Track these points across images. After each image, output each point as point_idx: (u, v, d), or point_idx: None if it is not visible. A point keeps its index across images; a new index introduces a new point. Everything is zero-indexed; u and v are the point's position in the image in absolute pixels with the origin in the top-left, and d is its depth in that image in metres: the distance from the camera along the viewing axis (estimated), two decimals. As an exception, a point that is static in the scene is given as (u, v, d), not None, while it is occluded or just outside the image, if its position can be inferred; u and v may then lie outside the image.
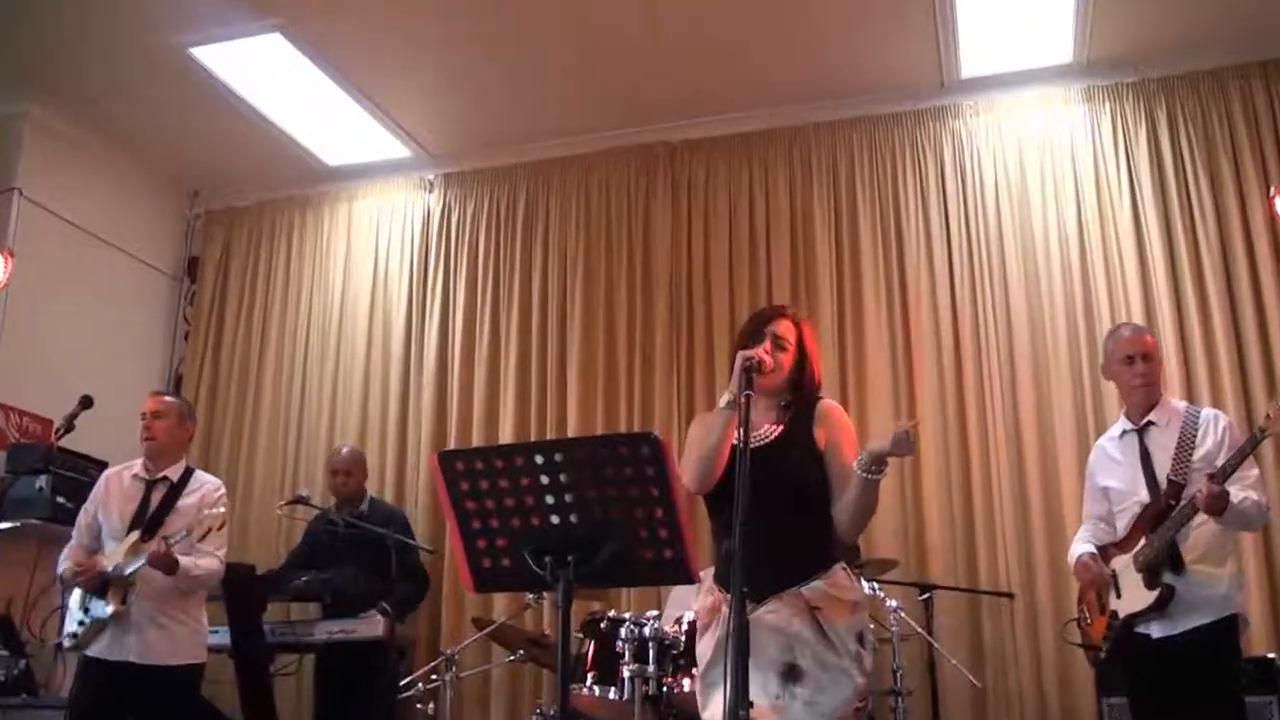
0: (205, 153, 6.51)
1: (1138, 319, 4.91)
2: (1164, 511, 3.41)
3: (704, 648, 2.76)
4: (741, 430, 2.43)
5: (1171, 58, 5.40)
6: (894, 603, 4.45)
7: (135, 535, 4.03)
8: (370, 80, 5.71)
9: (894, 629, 4.41)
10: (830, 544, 2.74)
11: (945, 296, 5.44)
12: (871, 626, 2.81)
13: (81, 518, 4.23)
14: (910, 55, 5.48)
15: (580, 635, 4.10)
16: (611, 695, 3.81)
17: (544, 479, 2.07)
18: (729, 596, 2.65)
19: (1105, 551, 3.61)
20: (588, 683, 3.91)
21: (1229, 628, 3.35)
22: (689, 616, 3.74)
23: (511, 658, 4.71)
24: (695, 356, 5.74)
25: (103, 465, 5.14)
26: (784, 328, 2.84)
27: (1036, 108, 5.61)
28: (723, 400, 2.68)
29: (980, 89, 5.68)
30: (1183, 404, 3.69)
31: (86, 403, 4.35)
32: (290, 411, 6.37)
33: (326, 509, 5.36)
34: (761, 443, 2.74)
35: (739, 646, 2.16)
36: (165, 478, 4.19)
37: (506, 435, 5.88)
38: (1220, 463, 3.30)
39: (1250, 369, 4.92)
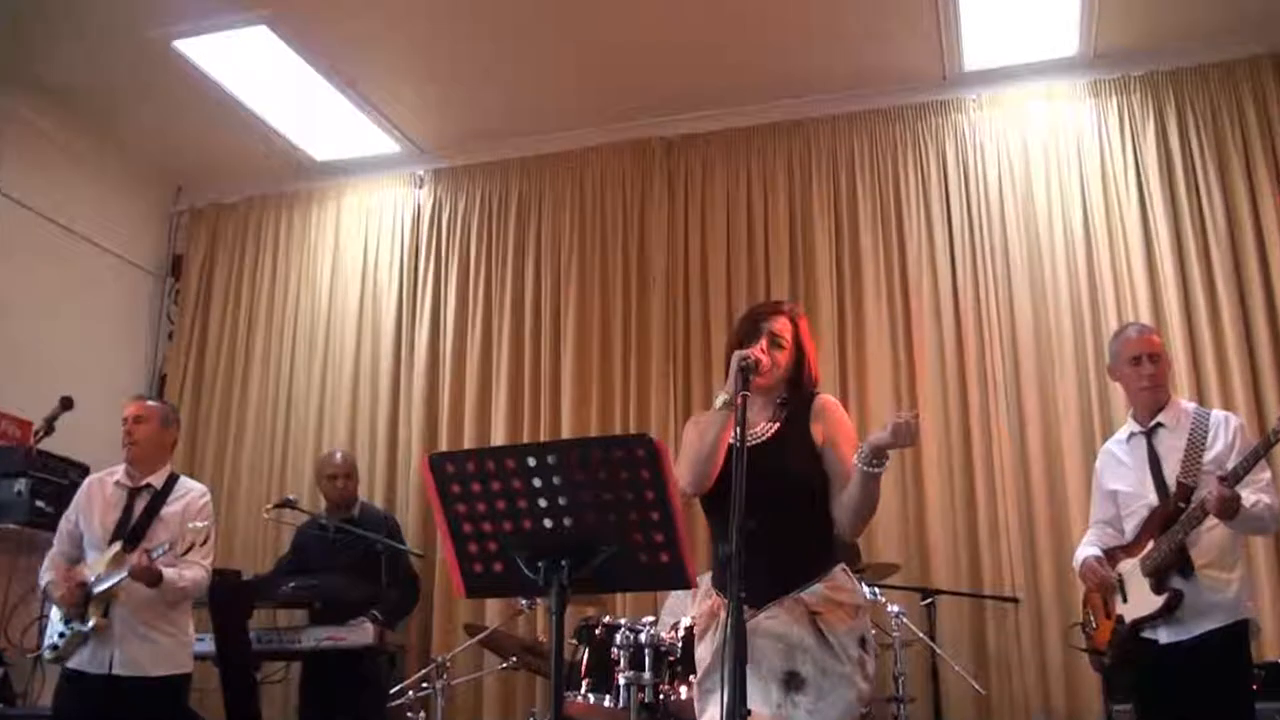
0: (189, 148, 6.50)
1: (1145, 319, 4.91)
2: (1173, 515, 3.41)
3: (702, 653, 2.75)
4: (739, 431, 2.43)
5: (1181, 50, 5.40)
6: (895, 608, 4.45)
7: (117, 546, 4.01)
8: (359, 73, 5.70)
9: (896, 635, 4.41)
10: (830, 544, 2.74)
11: (948, 296, 5.44)
12: (873, 632, 2.80)
13: (63, 525, 4.22)
14: (912, 47, 5.48)
15: (574, 642, 4.10)
16: (607, 703, 3.81)
17: (536, 481, 2.06)
18: (727, 600, 2.65)
19: (1112, 555, 3.61)
20: (582, 690, 3.91)
21: (1239, 633, 3.35)
22: (686, 622, 3.74)
23: (504, 665, 4.71)
24: (692, 355, 5.74)
25: (83, 468, 5.14)
26: (780, 324, 2.83)
27: (1041, 101, 5.61)
28: (718, 401, 2.67)
29: (984, 82, 5.68)
30: (1192, 405, 3.69)
31: (67, 404, 4.33)
32: (277, 413, 6.36)
33: (316, 513, 5.35)
34: (758, 441, 2.74)
35: (738, 654, 2.15)
36: (149, 485, 4.17)
37: (499, 436, 5.87)
38: (1231, 465, 3.30)
39: (1262, 370, 4.92)
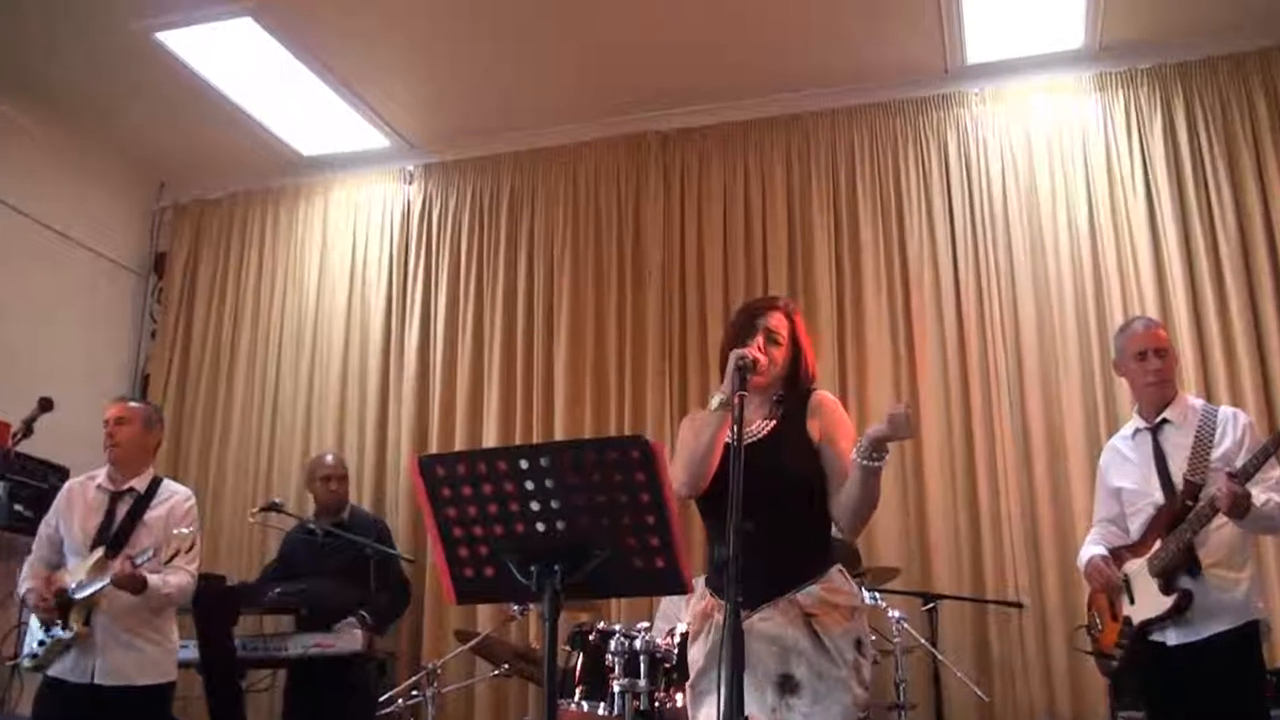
0: (172, 143, 6.48)
1: (1152, 314, 4.89)
2: (1180, 513, 3.41)
3: (695, 655, 2.75)
4: (736, 430, 2.43)
5: (1189, 42, 5.40)
6: (896, 613, 4.45)
7: (99, 552, 3.99)
8: (347, 66, 5.69)
9: (897, 640, 4.41)
10: (827, 545, 2.74)
11: (950, 292, 5.44)
12: (873, 636, 2.80)
13: (43, 530, 4.20)
14: (913, 40, 5.48)
15: (568, 648, 4.10)
16: (601, 710, 3.81)
17: (529, 484, 2.05)
18: (720, 602, 2.65)
19: (1118, 555, 3.60)
20: (576, 698, 3.90)
21: (1251, 635, 3.35)
22: (681, 628, 3.74)
23: (496, 672, 4.70)
24: (688, 353, 5.74)
25: (63, 471, 5.13)
26: (776, 320, 2.84)
27: (1046, 95, 5.62)
28: (714, 401, 2.67)
29: (986, 75, 5.69)
30: (1200, 401, 3.69)
31: (46, 405, 4.32)
32: (263, 415, 6.35)
33: (304, 518, 5.35)
34: (754, 439, 2.73)
35: (734, 659, 2.15)
36: (131, 489, 4.16)
37: (491, 436, 5.87)
38: (1240, 463, 3.30)
39: (1272, 367, 4.93)
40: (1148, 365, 3.60)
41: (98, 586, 3.89)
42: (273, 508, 5.15)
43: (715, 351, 2.96)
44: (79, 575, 3.97)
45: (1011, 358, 5.28)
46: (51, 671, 3.95)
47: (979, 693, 4.60)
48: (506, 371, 5.98)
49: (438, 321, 6.18)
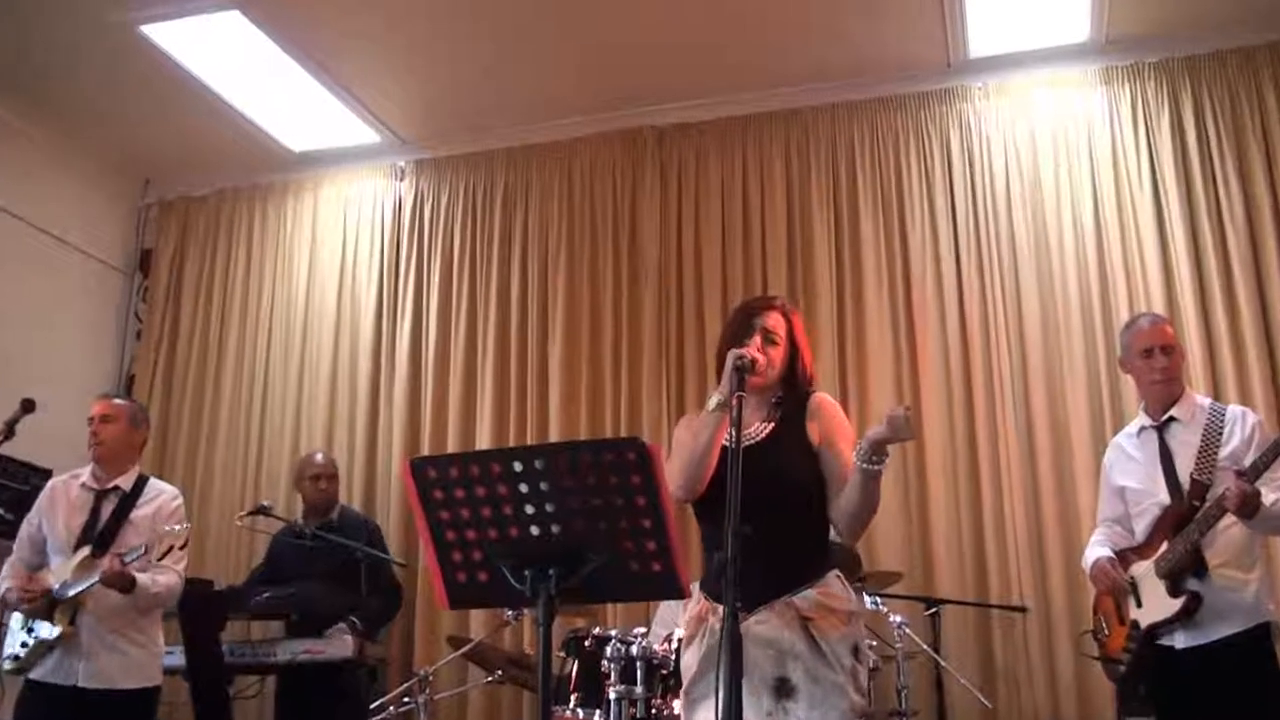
0: (158, 138, 6.46)
1: (1159, 311, 4.89)
2: (1187, 514, 3.40)
3: (689, 660, 2.75)
4: (734, 432, 2.42)
5: (1197, 35, 5.40)
6: (898, 618, 4.44)
7: (85, 551, 3.98)
8: (336, 60, 5.68)
9: (899, 646, 4.40)
10: (825, 548, 2.74)
11: (952, 289, 5.44)
12: (874, 643, 2.80)
13: (24, 529, 4.18)
14: (914, 34, 5.47)
15: (563, 654, 4.09)
16: (597, 718, 3.80)
17: (523, 487, 2.05)
18: (715, 605, 2.64)
19: (1123, 557, 3.60)
20: (571, 704, 3.89)
21: (1263, 637, 3.35)
22: (678, 634, 3.73)
23: (490, 679, 4.69)
24: (685, 352, 5.73)
25: (47, 474, 5.09)
26: (773, 320, 2.83)
27: (1050, 89, 5.61)
28: (712, 402, 2.67)
29: (990, 69, 5.68)
30: (1207, 400, 3.69)
31: (29, 406, 4.29)
32: (251, 415, 6.33)
33: (292, 520, 5.34)
34: (752, 441, 2.73)
35: (733, 666, 2.14)
36: (116, 487, 4.14)
37: (484, 437, 5.86)
38: (1249, 462, 3.28)
39: (1282, 365, 4.93)
40: (1154, 362, 3.60)
41: (85, 585, 3.86)
42: (261, 511, 5.14)
43: (713, 350, 2.96)
44: (64, 574, 3.95)
45: (1015, 355, 5.27)
46: (34, 674, 3.93)
47: (982, 699, 4.60)
48: (500, 370, 5.97)
49: (430, 319, 6.17)
